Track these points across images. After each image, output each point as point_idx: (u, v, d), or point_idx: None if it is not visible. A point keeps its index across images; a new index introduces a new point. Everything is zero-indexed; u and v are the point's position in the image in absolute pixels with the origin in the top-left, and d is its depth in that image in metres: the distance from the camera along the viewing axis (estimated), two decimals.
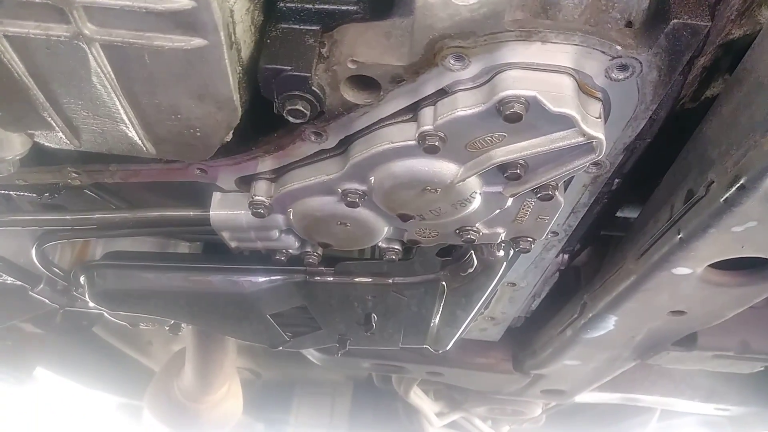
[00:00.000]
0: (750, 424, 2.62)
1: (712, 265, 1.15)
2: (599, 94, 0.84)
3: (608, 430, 3.07)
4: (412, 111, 0.89)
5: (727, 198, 0.92)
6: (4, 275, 1.55)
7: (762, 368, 1.70)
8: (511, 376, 2.10)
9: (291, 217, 1.12)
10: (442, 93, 0.85)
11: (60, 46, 0.78)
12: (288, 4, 0.82)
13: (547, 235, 1.17)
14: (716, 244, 1.04)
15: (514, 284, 1.59)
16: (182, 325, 1.67)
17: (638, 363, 1.72)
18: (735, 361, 1.62)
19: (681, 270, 1.15)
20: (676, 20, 0.76)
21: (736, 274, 1.20)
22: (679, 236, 1.06)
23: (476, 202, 1.01)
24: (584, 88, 0.82)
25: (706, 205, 0.98)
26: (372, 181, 0.98)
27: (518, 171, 0.90)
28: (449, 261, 1.38)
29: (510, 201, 1.02)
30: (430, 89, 0.85)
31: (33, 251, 1.40)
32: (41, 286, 1.56)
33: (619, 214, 1.44)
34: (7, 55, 0.80)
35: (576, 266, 1.57)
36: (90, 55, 0.79)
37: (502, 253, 1.27)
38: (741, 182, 0.89)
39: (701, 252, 1.08)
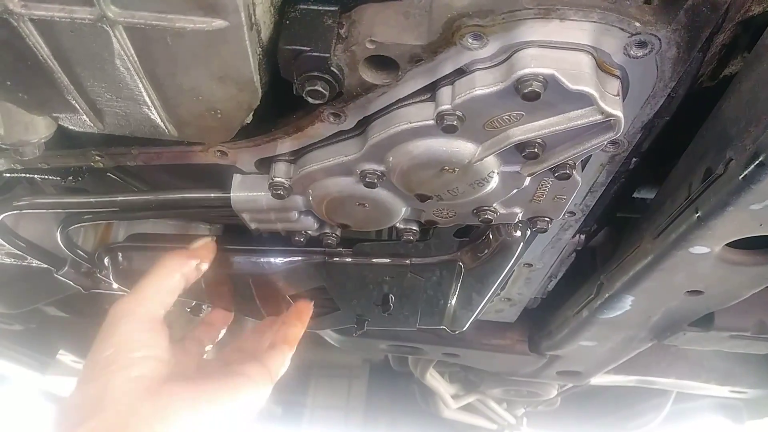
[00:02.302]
0: (766, 406, 2.61)
1: (729, 244, 1.14)
2: (618, 72, 0.84)
3: (623, 413, 3.08)
4: (430, 91, 0.89)
5: (745, 175, 0.91)
6: (29, 258, 1.58)
7: None
8: (527, 357, 2.10)
9: (310, 198, 1.13)
10: (460, 72, 0.85)
11: (84, 29, 0.79)
12: None
13: (564, 215, 1.18)
14: (734, 223, 1.03)
15: (530, 265, 1.59)
16: (203, 306, 1.69)
17: (654, 344, 1.72)
18: (752, 342, 1.62)
19: (698, 249, 1.15)
20: None
21: (754, 253, 1.20)
22: (697, 215, 1.06)
23: (494, 182, 1.02)
24: (602, 65, 0.82)
25: (725, 183, 0.98)
26: (390, 162, 0.99)
27: (536, 150, 0.90)
28: (466, 241, 1.38)
29: (527, 180, 1.02)
30: (448, 68, 0.85)
31: (57, 234, 1.43)
32: (66, 268, 1.58)
33: (636, 194, 1.44)
34: (33, 39, 0.81)
35: (592, 247, 1.57)
36: (113, 38, 0.80)
37: (519, 233, 1.27)
38: (760, 159, 0.88)
39: (719, 231, 1.07)
